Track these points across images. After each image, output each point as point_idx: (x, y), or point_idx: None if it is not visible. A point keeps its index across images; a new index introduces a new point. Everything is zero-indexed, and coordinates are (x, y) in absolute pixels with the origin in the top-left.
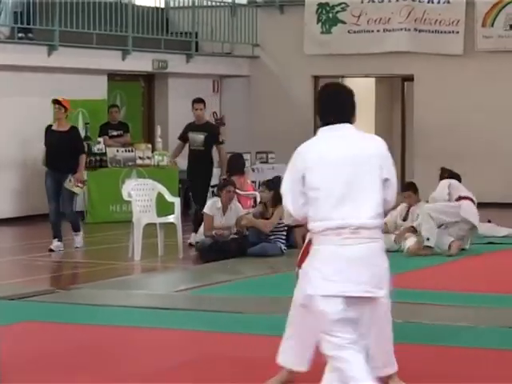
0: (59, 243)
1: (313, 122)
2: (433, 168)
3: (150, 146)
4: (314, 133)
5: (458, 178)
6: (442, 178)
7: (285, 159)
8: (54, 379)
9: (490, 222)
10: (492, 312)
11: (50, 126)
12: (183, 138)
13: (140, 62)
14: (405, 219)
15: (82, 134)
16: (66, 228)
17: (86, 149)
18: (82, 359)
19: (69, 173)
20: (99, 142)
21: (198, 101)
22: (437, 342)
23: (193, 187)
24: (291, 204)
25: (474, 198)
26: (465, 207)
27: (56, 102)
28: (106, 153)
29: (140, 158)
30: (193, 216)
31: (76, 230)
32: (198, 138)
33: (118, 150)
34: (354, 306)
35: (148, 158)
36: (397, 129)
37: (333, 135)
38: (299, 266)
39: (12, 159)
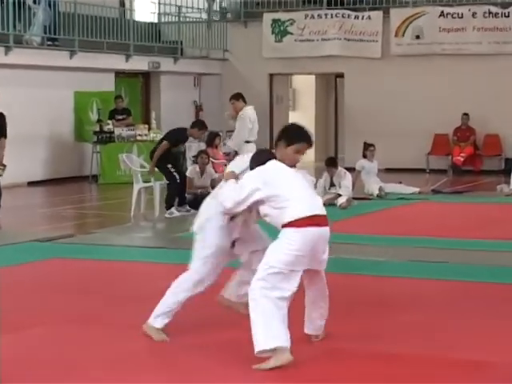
0: None
1: (268, 107)
2: (359, 143)
3: (146, 126)
4: (270, 117)
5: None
6: (364, 149)
7: None
8: (71, 298)
9: (400, 182)
10: (403, 249)
11: None
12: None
13: (139, 63)
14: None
15: (95, 118)
16: None
17: (98, 128)
18: (95, 283)
19: None
20: (108, 124)
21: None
22: (360, 271)
23: None
24: None
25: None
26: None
27: None
28: (113, 131)
29: (139, 135)
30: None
31: None
32: None
33: (122, 130)
34: None
35: (145, 135)
36: (331, 114)
37: None
38: None
39: (41, 135)
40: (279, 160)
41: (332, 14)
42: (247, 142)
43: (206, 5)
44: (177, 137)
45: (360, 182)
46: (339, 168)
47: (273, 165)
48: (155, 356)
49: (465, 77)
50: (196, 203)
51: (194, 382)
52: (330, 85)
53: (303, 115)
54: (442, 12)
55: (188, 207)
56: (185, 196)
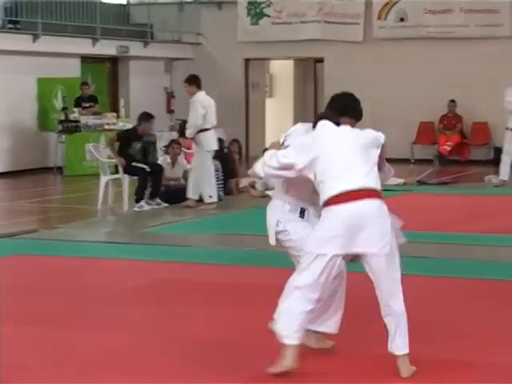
0: None
1: (244, 94)
2: None
3: (115, 114)
4: (246, 104)
5: None
6: None
7: (222, 124)
8: (32, 299)
9: None
10: None
11: None
12: None
13: (107, 48)
14: None
15: (60, 105)
16: None
17: (63, 117)
18: (59, 283)
19: None
20: (74, 112)
21: None
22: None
23: None
24: None
25: None
26: None
27: None
28: (79, 120)
29: (107, 124)
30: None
31: None
32: None
33: (89, 118)
34: None
35: (113, 123)
36: (310, 100)
37: None
38: None
39: (1, 124)
40: None
41: None
42: (204, 129)
43: None
44: (127, 140)
45: None
46: None
47: (320, 129)
48: (121, 357)
49: (451, 62)
50: (168, 196)
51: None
52: (309, 70)
53: (281, 102)
54: None
55: (159, 200)
56: (159, 188)
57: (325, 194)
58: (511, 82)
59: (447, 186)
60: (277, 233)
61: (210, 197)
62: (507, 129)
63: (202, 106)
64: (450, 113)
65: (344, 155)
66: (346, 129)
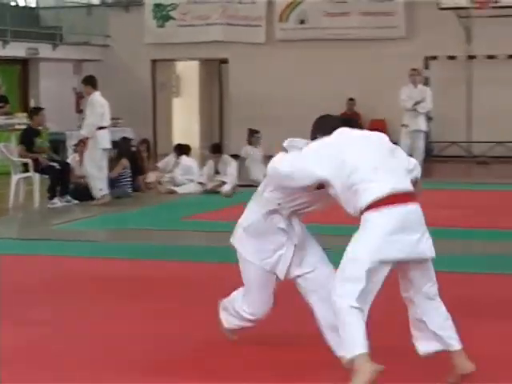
0: None
1: (151, 94)
2: (244, 129)
3: (25, 114)
4: (153, 104)
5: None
6: (249, 136)
7: (130, 123)
8: None
9: None
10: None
11: None
12: None
13: (16, 50)
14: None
15: None
16: None
17: None
18: None
19: None
20: None
21: None
22: None
23: None
24: None
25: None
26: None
27: None
28: None
29: (18, 124)
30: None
31: None
32: None
33: (0, 118)
34: None
35: (24, 124)
36: (216, 100)
37: None
38: None
39: None
40: None
41: None
42: (100, 128)
43: None
44: (26, 139)
45: (245, 169)
46: (224, 155)
47: (340, 134)
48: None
49: (350, 62)
50: (77, 193)
51: None
52: (215, 71)
53: (187, 102)
54: None
55: (69, 197)
56: (67, 185)
57: (368, 196)
58: (406, 81)
59: None
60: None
61: (101, 190)
62: (402, 125)
63: (100, 105)
64: (348, 111)
65: (380, 156)
66: (368, 132)
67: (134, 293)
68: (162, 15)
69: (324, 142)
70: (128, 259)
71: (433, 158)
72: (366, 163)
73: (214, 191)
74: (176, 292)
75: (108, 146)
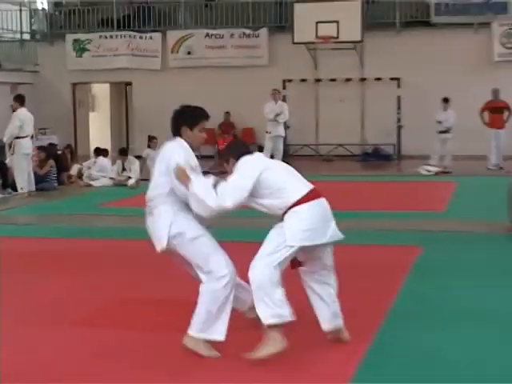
0: None
1: (72, 110)
2: (145, 136)
3: None
4: (74, 117)
5: (155, 138)
6: (149, 141)
7: (56, 132)
8: None
9: None
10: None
11: None
12: None
13: None
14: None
15: None
16: None
17: None
18: None
19: None
20: None
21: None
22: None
23: None
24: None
25: None
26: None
27: None
28: None
29: None
30: None
31: None
32: None
33: None
34: None
35: None
36: (123, 113)
37: None
38: None
39: None
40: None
41: (121, 35)
42: (19, 137)
43: (19, 27)
44: None
45: (146, 167)
46: (129, 156)
47: (258, 156)
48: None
49: (227, 84)
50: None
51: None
52: (122, 91)
53: (101, 115)
54: (208, 33)
55: (10, 190)
56: (7, 181)
57: (289, 198)
58: (269, 98)
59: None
60: None
61: (22, 188)
62: (266, 132)
63: (19, 120)
64: (225, 121)
65: (285, 170)
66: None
67: (60, 266)
68: (80, 48)
69: (252, 162)
70: (55, 238)
71: (290, 156)
72: (283, 177)
73: (122, 184)
74: (102, 263)
75: (29, 151)
